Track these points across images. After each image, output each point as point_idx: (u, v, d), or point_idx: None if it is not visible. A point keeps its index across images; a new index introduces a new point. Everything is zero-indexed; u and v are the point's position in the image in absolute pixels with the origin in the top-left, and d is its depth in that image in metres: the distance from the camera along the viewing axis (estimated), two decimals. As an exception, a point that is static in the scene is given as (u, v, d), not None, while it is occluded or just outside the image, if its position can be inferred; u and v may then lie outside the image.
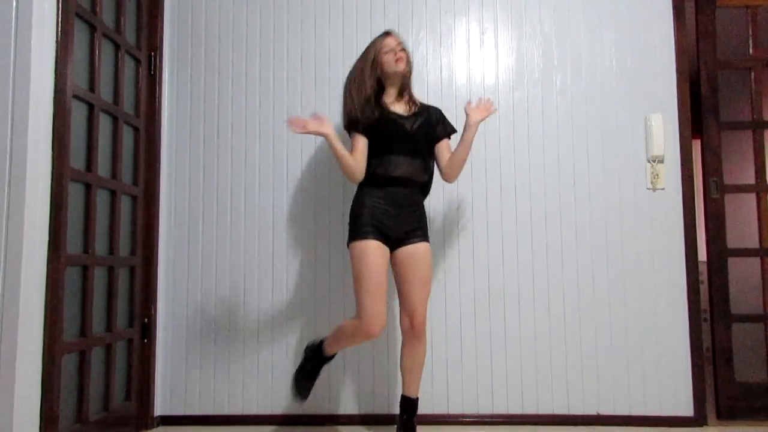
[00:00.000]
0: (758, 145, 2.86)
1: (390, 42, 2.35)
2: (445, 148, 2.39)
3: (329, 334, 2.32)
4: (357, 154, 2.27)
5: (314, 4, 2.89)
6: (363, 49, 2.40)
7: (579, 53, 2.83)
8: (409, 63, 2.37)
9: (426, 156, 2.34)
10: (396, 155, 2.26)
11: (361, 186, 2.31)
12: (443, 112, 2.45)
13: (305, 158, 2.82)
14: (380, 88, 2.37)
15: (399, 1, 2.87)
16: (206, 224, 2.82)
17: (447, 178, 2.38)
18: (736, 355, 2.74)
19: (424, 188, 2.36)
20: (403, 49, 2.35)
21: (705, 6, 2.89)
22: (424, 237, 2.28)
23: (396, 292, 2.31)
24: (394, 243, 2.25)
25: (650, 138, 2.73)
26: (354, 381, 2.71)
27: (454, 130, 2.42)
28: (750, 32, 2.90)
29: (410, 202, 2.27)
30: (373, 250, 2.17)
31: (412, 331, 2.24)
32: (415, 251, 2.25)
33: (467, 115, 2.32)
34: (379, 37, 2.39)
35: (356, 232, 2.22)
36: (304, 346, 2.44)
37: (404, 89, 2.40)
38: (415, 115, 2.35)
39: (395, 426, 2.35)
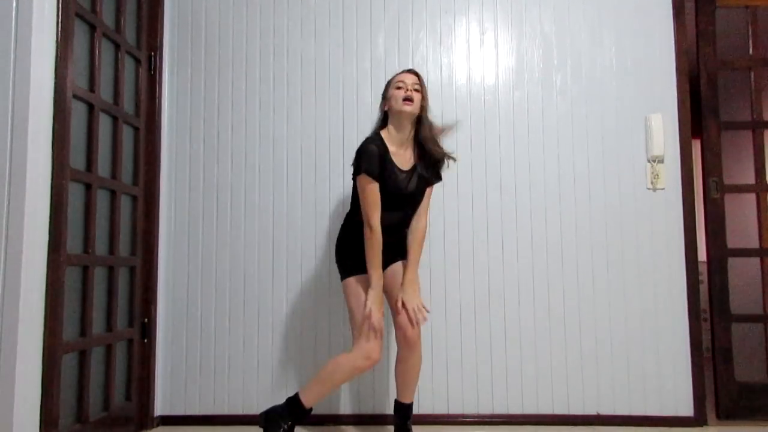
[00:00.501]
0: (758, 145, 2.86)
1: (406, 78, 2.27)
2: (427, 195, 2.36)
3: (308, 383, 2.31)
4: (374, 200, 2.19)
5: (314, 4, 2.88)
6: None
7: (579, 53, 2.83)
8: (422, 107, 2.25)
9: (415, 208, 2.34)
10: (389, 211, 2.24)
11: (351, 224, 2.31)
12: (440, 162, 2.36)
13: (305, 158, 2.82)
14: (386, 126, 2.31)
15: (399, 1, 2.87)
16: (206, 224, 2.82)
17: (416, 227, 2.34)
18: (736, 355, 2.74)
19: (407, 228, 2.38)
20: (417, 90, 2.25)
21: (705, 6, 2.89)
22: (404, 256, 2.34)
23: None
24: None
25: (650, 138, 2.73)
26: (354, 381, 2.71)
27: (439, 179, 2.39)
28: (750, 32, 2.90)
29: (395, 239, 2.32)
30: (363, 283, 2.23)
31: (406, 341, 2.25)
32: (398, 268, 2.32)
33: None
34: (399, 72, 2.35)
35: (349, 267, 2.27)
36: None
37: (411, 135, 2.28)
38: (413, 170, 2.28)
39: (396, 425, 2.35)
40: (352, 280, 2.26)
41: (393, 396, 2.65)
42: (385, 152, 2.23)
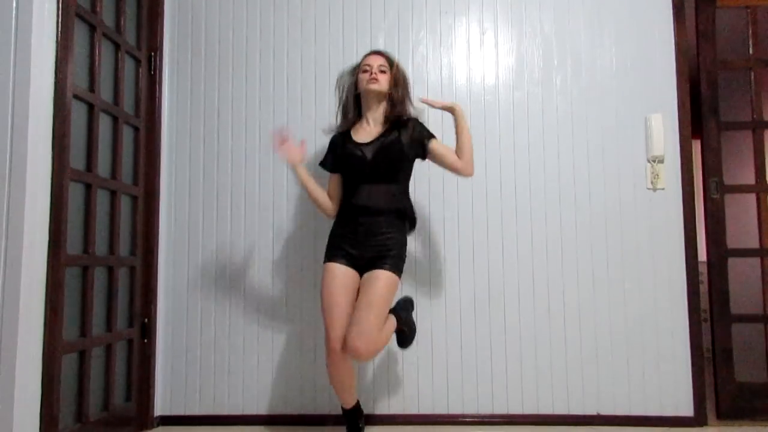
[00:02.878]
0: (758, 145, 2.86)
1: (371, 60, 2.33)
2: (441, 150, 2.33)
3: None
4: (329, 188, 2.42)
5: (314, 4, 2.88)
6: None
7: (579, 53, 2.83)
8: (391, 85, 2.31)
9: (391, 178, 2.29)
10: (357, 185, 2.29)
11: (336, 214, 2.40)
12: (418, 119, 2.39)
13: (305, 158, 2.81)
14: (359, 114, 2.38)
15: (399, 1, 2.87)
16: (206, 224, 2.82)
17: (463, 173, 2.32)
18: (736, 355, 2.74)
19: (398, 215, 2.29)
20: (383, 71, 2.30)
21: (705, 6, 2.89)
22: (390, 267, 2.21)
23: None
24: (362, 268, 2.26)
25: (650, 138, 2.73)
26: (354, 381, 2.71)
27: (431, 135, 2.36)
28: (750, 32, 2.90)
29: (376, 230, 2.25)
30: (338, 270, 2.24)
31: (344, 350, 2.13)
32: (371, 276, 2.21)
33: (442, 108, 2.34)
34: (365, 55, 2.40)
35: (325, 255, 2.32)
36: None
37: (385, 112, 2.33)
38: (382, 136, 2.29)
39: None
40: (324, 266, 2.29)
41: (393, 395, 2.66)
42: (345, 134, 2.36)
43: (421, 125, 2.36)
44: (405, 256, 2.29)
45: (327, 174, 2.44)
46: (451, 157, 2.32)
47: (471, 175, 2.36)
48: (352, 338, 2.08)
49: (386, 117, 2.33)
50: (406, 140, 2.30)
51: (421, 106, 2.43)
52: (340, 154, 2.34)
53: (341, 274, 2.23)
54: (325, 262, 2.29)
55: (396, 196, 2.29)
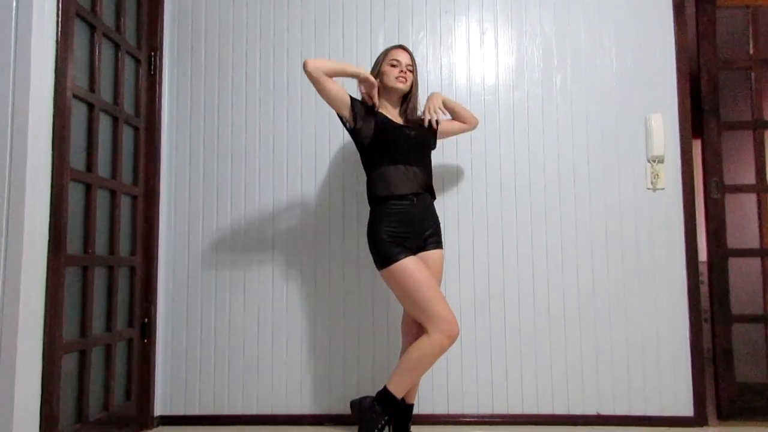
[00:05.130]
0: (758, 145, 2.86)
1: (400, 55, 2.32)
2: (444, 124, 2.47)
3: (393, 374, 2.18)
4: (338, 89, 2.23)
5: (314, 4, 2.88)
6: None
7: (579, 53, 2.82)
8: (412, 86, 2.35)
9: (429, 160, 2.35)
10: (401, 165, 2.21)
11: (374, 210, 2.26)
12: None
13: (305, 158, 2.82)
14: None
15: (399, 1, 2.87)
16: (206, 224, 2.82)
17: (470, 124, 2.51)
18: (736, 355, 2.74)
19: (431, 192, 2.34)
20: (411, 70, 2.33)
21: (705, 6, 2.89)
22: (438, 244, 2.30)
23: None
24: (415, 252, 2.24)
25: (650, 138, 2.73)
26: (354, 381, 2.71)
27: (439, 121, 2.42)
28: (750, 32, 2.89)
29: (422, 214, 2.25)
30: (413, 264, 2.13)
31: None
32: (427, 257, 2.24)
33: (430, 109, 2.35)
34: (392, 47, 2.38)
35: (387, 256, 2.15)
36: (358, 408, 2.29)
37: (401, 108, 2.37)
38: (408, 125, 2.34)
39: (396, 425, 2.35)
40: (393, 268, 2.13)
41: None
42: (372, 108, 2.30)
43: (431, 122, 2.37)
44: None
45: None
46: (454, 123, 2.49)
47: (477, 123, 2.57)
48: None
49: (404, 112, 2.37)
50: (427, 128, 2.36)
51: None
52: (377, 119, 2.25)
53: (418, 264, 2.15)
54: (390, 263, 2.13)
55: (430, 176, 2.34)
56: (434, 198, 2.37)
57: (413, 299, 2.11)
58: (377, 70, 2.34)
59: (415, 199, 2.23)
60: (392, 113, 2.36)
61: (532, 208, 2.76)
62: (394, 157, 2.23)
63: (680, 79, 2.76)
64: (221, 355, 2.75)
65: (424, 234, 2.26)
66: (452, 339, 2.10)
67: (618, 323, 2.69)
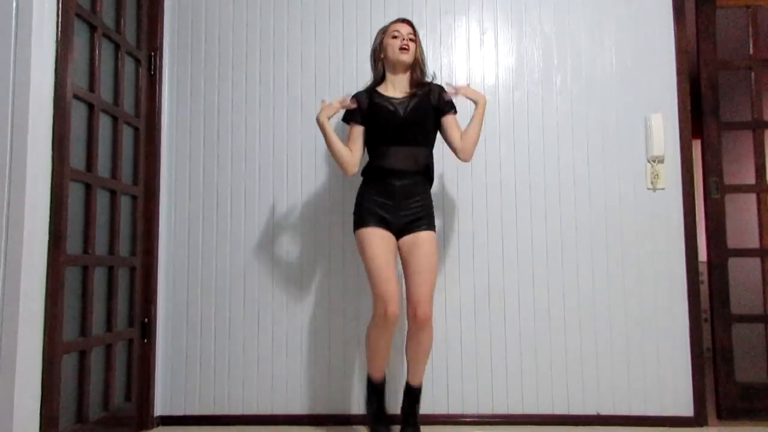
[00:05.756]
0: (758, 145, 2.86)
1: (401, 27, 2.32)
2: (453, 124, 2.34)
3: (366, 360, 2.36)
4: (349, 144, 2.33)
5: (314, 4, 2.88)
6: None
7: (579, 53, 2.82)
8: (417, 56, 2.33)
9: (422, 141, 2.31)
10: (388, 145, 2.26)
11: (363, 179, 2.35)
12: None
13: (305, 158, 2.82)
14: (383, 76, 2.36)
15: (399, 1, 2.87)
16: (206, 224, 2.82)
17: (461, 155, 2.34)
18: (736, 355, 2.74)
19: (426, 175, 2.32)
20: (413, 39, 2.32)
21: (705, 6, 2.89)
22: (428, 226, 2.27)
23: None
24: (397, 233, 2.26)
25: (650, 138, 2.73)
26: (355, 381, 2.71)
27: (453, 108, 2.37)
28: (750, 32, 2.90)
29: (410, 192, 2.27)
30: (374, 234, 2.21)
31: (415, 321, 2.21)
32: (415, 239, 2.24)
33: (466, 97, 2.32)
34: (393, 21, 2.39)
35: (358, 222, 2.27)
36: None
37: (407, 80, 2.35)
38: (411, 96, 2.31)
39: (396, 425, 2.35)
40: (359, 232, 2.25)
41: (394, 397, 2.66)
42: (370, 90, 2.34)
43: (444, 92, 2.34)
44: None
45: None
46: (456, 136, 2.33)
47: (467, 161, 2.38)
48: (422, 304, 2.17)
49: (411, 83, 2.34)
50: (434, 102, 2.33)
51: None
52: (368, 108, 2.30)
53: (381, 236, 2.21)
54: (358, 228, 2.25)
55: (425, 156, 2.31)
56: (430, 181, 2.35)
57: (366, 268, 2.22)
58: (379, 45, 2.36)
59: (400, 174, 2.25)
60: (398, 87, 2.35)
61: (532, 207, 2.76)
62: (387, 138, 2.27)
63: (680, 80, 2.76)
64: (221, 355, 2.75)
65: (408, 212, 2.25)
66: (387, 318, 2.13)
67: (618, 323, 2.69)
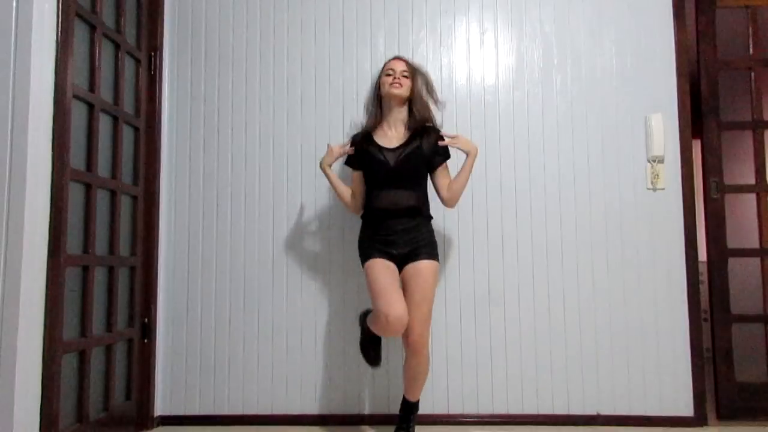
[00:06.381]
0: (758, 145, 2.86)
1: (395, 65, 2.39)
2: (443, 172, 2.40)
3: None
4: (352, 186, 2.47)
5: (314, 5, 2.88)
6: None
7: (579, 53, 2.82)
8: (412, 90, 2.37)
9: (412, 185, 2.34)
10: (379, 190, 2.34)
11: (362, 217, 2.43)
12: (441, 131, 2.42)
13: (305, 159, 2.82)
14: (380, 117, 2.42)
15: (399, 1, 2.87)
16: (206, 224, 2.82)
17: (446, 204, 2.42)
18: (736, 355, 2.74)
19: (417, 212, 2.33)
20: (406, 76, 2.37)
21: (705, 6, 2.89)
22: (429, 256, 2.30)
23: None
24: (400, 262, 2.32)
25: (650, 138, 2.73)
26: (354, 381, 2.71)
27: (448, 156, 2.41)
28: (750, 32, 2.90)
29: (407, 229, 2.31)
30: (377, 263, 2.28)
31: (408, 345, 2.25)
32: (414, 267, 2.29)
33: (458, 148, 2.36)
34: (389, 59, 2.46)
35: (362, 257, 2.36)
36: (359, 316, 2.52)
37: (405, 116, 2.40)
38: (405, 144, 2.35)
39: (396, 426, 2.35)
40: (365, 264, 2.32)
41: (393, 396, 2.66)
42: (367, 136, 2.41)
43: (441, 138, 2.37)
44: (436, 241, 2.38)
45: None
46: (444, 185, 2.39)
47: (450, 208, 2.50)
48: (416, 328, 2.21)
49: (408, 125, 2.39)
50: (427, 149, 2.36)
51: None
52: (362, 155, 2.40)
53: (385, 265, 2.29)
54: (365, 262, 2.33)
55: (415, 197, 2.34)
56: (427, 217, 2.38)
57: (369, 290, 2.29)
58: (377, 83, 2.45)
59: (394, 214, 2.31)
60: (394, 126, 2.40)
61: (532, 207, 2.76)
62: (378, 183, 2.35)
63: (680, 80, 2.76)
64: (221, 355, 2.75)
65: (407, 244, 2.30)
66: (389, 323, 2.15)
67: (618, 323, 2.69)
